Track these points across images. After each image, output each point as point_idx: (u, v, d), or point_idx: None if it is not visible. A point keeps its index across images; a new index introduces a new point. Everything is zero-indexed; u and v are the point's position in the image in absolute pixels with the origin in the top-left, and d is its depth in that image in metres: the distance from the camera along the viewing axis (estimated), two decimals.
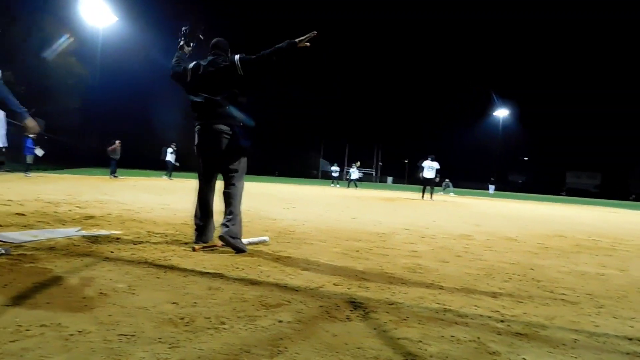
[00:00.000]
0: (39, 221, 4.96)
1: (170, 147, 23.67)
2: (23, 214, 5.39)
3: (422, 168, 17.57)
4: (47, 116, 30.63)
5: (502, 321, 2.34)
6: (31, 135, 17.44)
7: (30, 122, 3.32)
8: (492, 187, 40.75)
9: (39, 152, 17.90)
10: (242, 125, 4.16)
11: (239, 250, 3.90)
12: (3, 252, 3.20)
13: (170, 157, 23.36)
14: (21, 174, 16.85)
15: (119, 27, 37.58)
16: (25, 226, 4.55)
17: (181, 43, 4.45)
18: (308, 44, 3.95)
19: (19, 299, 2.22)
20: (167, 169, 23.48)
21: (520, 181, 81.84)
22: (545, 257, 4.65)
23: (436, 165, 17.56)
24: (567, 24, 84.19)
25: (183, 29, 4.47)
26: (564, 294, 3.07)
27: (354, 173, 29.35)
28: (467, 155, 79.92)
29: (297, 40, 3.91)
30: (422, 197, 18.02)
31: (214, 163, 4.18)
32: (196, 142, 4.19)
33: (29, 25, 31.53)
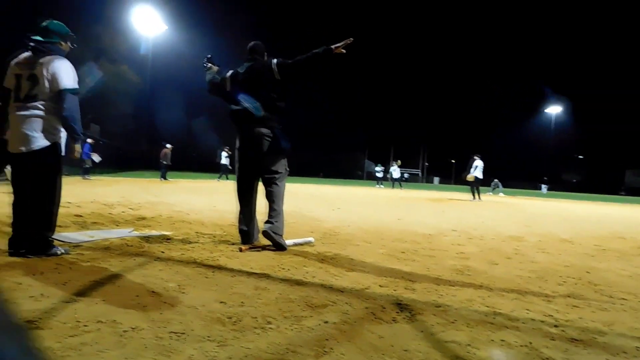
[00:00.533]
0: (95, 222, 5.19)
1: (224, 150, 24.30)
2: (80, 215, 5.67)
3: (477, 167, 16.98)
4: (101, 122, 32.09)
5: (555, 326, 2.24)
6: (89, 141, 18.47)
7: (78, 148, 3.59)
8: (544, 187, 39.17)
9: (96, 158, 18.82)
10: (281, 128, 4.22)
11: (281, 247, 3.97)
12: (63, 251, 3.39)
13: (225, 160, 24.06)
14: (79, 177, 17.72)
15: (168, 34, 38.89)
16: (82, 227, 4.78)
17: (208, 66, 4.59)
18: (344, 50, 3.97)
19: (77, 296, 2.34)
20: (222, 171, 24.13)
21: (574, 180, 78.23)
22: (602, 259, 4.42)
23: (482, 164, 17.03)
24: (620, 17, 79.97)
25: (207, 56, 4.63)
26: (624, 298, 2.91)
27: (395, 172, 29.02)
28: (518, 153, 77.47)
29: (333, 46, 3.96)
30: (477, 197, 17.29)
31: (255, 166, 4.25)
32: (237, 145, 4.27)
33: (86, 36, 33.20)
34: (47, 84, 3.28)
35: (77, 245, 3.75)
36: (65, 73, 3.31)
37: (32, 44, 3.36)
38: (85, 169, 18.56)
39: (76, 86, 3.38)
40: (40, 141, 3.26)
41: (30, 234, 3.28)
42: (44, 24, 3.45)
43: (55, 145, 3.35)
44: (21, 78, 3.31)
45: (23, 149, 3.25)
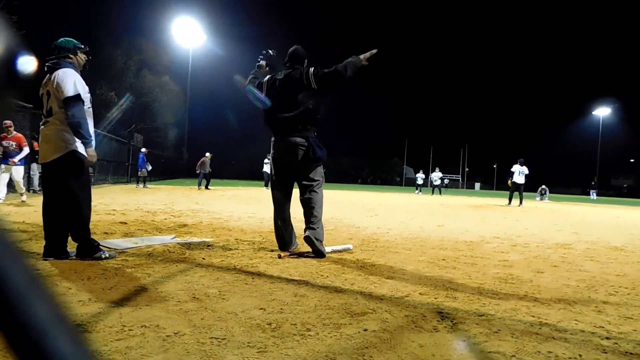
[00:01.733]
0: (139, 229, 5.35)
1: (267, 158, 24.56)
2: (125, 223, 5.85)
3: (513, 173, 16.56)
4: (144, 131, 33.16)
5: (607, 338, 2.13)
6: (143, 150, 19.25)
7: (92, 152, 3.59)
8: (593, 193, 37.42)
9: (148, 166, 19.59)
10: (316, 135, 4.23)
11: (321, 254, 3.97)
12: (108, 255, 3.56)
13: (266, 167, 24.28)
14: (133, 186, 18.38)
15: (208, 44, 39.98)
16: (127, 234, 4.93)
17: (261, 62, 4.52)
18: (367, 62, 4.11)
19: (122, 301, 2.41)
20: (266, 179, 24.32)
21: (625, 185, 74.61)
22: None
23: (525, 170, 16.48)
24: None
25: (270, 51, 4.56)
26: None
27: (435, 178, 28.63)
28: (564, 158, 74.72)
29: (361, 56, 4.09)
30: (510, 202, 16.94)
31: (290, 174, 4.28)
32: (272, 154, 4.30)
33: (129, 49, 34.56)
34: (55, 96, 3.48)
35: (122, 252, 3.87)
36: (65, 82, 3.46)
37: (47, 64, 3.59)
38: (139, 178, 19.36)
39: (77, 93, 3.48)
40: (59, 151, 3.47)
41: (75, 238, 3.50)
42: (54, 43, 3.66)
43: (73, 152, 3.51)
44: (43, 97, 3.57)
45: (45, 160, 3.51)
